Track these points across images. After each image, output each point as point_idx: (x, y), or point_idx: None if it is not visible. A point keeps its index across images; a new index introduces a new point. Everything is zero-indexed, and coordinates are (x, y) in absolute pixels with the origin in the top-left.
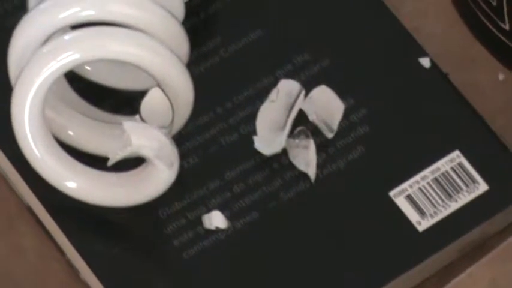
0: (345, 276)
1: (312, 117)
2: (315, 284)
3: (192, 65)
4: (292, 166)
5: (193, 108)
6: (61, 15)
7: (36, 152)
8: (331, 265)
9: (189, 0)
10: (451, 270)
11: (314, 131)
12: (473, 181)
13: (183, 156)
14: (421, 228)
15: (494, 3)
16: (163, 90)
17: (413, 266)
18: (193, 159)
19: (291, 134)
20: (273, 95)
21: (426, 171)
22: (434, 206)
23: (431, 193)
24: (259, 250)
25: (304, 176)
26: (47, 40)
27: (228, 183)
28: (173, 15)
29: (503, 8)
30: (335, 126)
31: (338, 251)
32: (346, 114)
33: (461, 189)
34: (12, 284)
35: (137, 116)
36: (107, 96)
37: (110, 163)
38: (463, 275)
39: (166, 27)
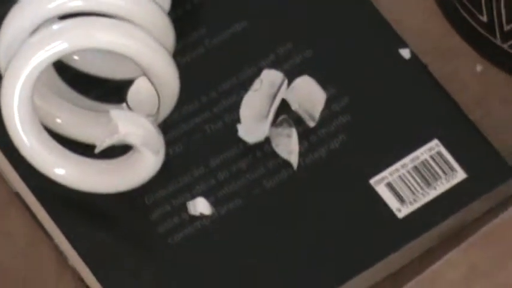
0: (326, 261)
1: (294, 106)
2: (297, 268)
3: (178, 55)
4: (275, 154)
5: (178, 97)
6: (49, 6)
7: (25, 139)
8: (314, 250)
9: None
10: (431, 256)
11: (296, 120)
12: (452, 169)
13: (168, 143)
14: (400, 215)
15: None
16: (149, 80)
17: (393, 252)
18: (179, 146)
19: (274, 123)
20: (256, 84)
21: (406, 160)
22: (414, 194)
23: (410, 181)
24: (243, 236)
25: (287, 164)
26: (35, 30)
27: (212, 171)
28: (160, 6)
29: (481, 0)
30: (317, 115)
31: (320, 237)
32: (327, 104)
33: (439, 177)
34: (3, 270)
35: (124, 105)
36: (94, 85)
37: (97, 150)
38: (442, 261)
39: (153, 18)
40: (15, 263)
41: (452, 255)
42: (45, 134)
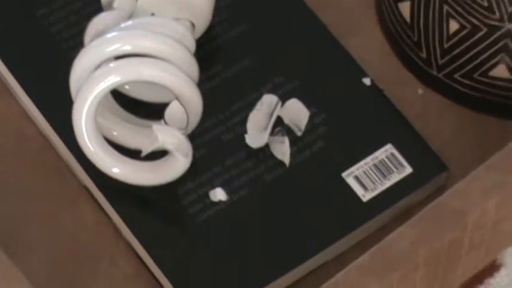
0: (310, 232)
1: (286, 121)
2: (288, 236)
3: (201, 84)
4: (272, 156)
5: (202, 115)
6: (107, 50)
7: (90, 146)
8: (301, 225)
9: (198, 38)
10: (387, 229)
11: (288, 131)
12: (401, 165)
13: (195, 149)
14: (364, 199)
15: (415, 39)
16: (180, 102)
17: (359, 226)
18: (202, 151)
19: (272, 133)
20: (258, 105)
21: (368, 159)
22: (374, 183)
23: (371, 174)
24: (250, 216)
25: (281, 163)
26: (97, 67)
27: (227, 168)
28: (187, 48)
29: (421, 43)
30: (303, 127)
31: (306, 215)
32: (310, 119)
33: (392, 171)
34: (76, 243)
35: (162, 121)
36: (140, 107)
37: (143, 154)
38: (395, 233)
39: (183, 57)
40: (85, 237)
41: (403, 228)
42: (105, 143)
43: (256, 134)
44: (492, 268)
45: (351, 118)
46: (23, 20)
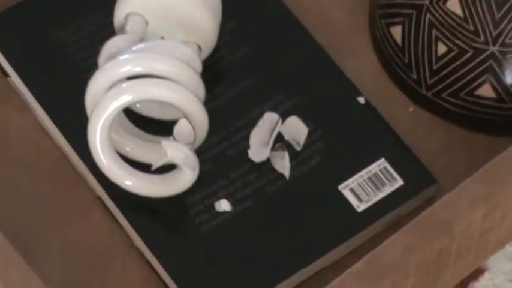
0: (308, 241)
1: (286, 136)
2: (289, 244)
3: (207, 103)
4: (273, 169)
5: (208, 132)
6: (120, 71)
7: (104, 161)
8: (300, 234)
9: (204, 59)
10: (380, 237)
11: (288, 146)
12: (393, 178)
13: (201, 163)
14: (359, 209)
15: (406, 61)
16: (188, 120)
17: (355, 234)
18: (208, 165)
19: (273, 148)
20: (260, 122)
21: (362, 172)
22: (368, 195)
23: (366, 186)
24: (252, 225)
25: (282, 176)
26: (111, 87)
27: (231, 181)
28: (194, 70)
29: (412, 64)
30: (302, 142)
31: (304, 225)
32: (309, 135)
33: (385, 183)
34: (90, 250)
35: (171, 137)
36: (151, 124)
37: (153, 168)
38: (387, 241)
39: (190, 78)
40: (98, 245)
41: (394, 237)
42: (118, 157)
43: (258, 149)
44: (477, 272)
45: (347, 134)
46: (43, 41)
